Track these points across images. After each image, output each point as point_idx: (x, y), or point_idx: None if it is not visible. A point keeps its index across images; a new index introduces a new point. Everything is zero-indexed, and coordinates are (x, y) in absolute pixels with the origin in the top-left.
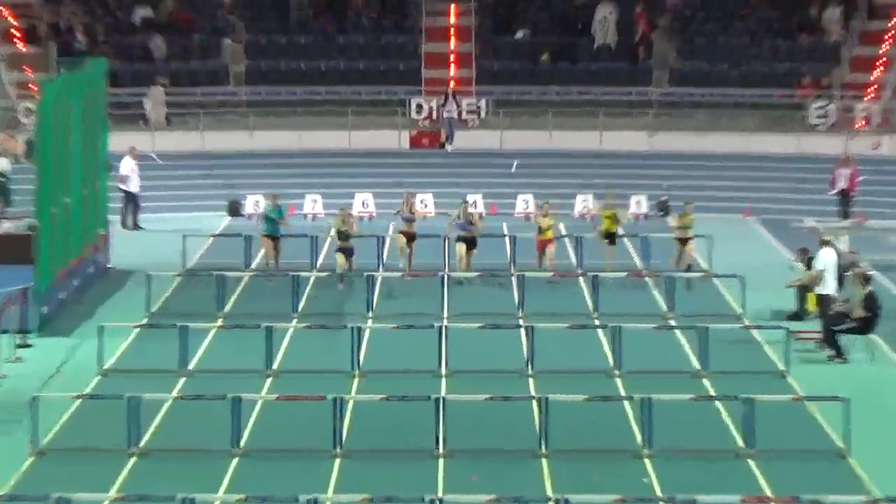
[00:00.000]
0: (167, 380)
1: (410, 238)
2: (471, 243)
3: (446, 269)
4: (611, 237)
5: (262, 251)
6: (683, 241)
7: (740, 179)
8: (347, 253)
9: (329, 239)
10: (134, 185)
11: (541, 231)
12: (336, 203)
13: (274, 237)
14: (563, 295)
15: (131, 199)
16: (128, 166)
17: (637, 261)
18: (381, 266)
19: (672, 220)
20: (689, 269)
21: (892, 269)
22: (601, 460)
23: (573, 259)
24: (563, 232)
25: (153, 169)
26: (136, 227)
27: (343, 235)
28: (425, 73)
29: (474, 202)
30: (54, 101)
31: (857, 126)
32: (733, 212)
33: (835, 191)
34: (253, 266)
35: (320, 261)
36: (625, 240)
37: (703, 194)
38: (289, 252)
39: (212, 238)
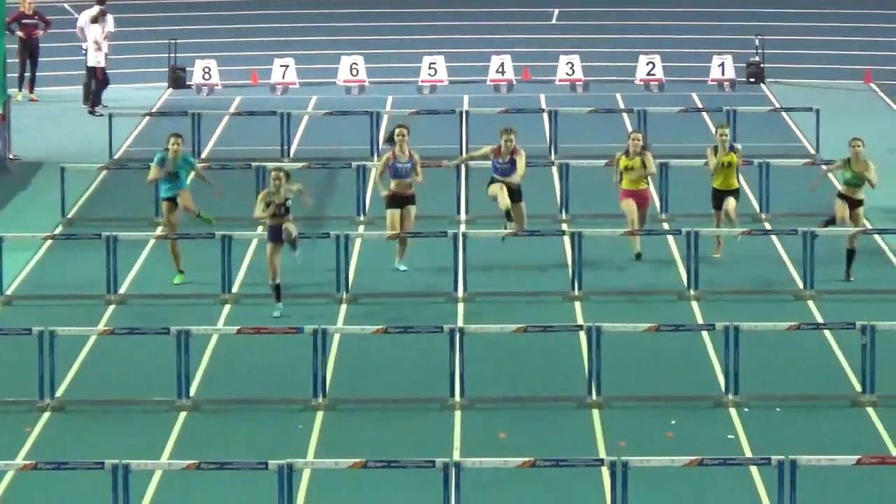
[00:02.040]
0: (90, 308)
1: (403, 202)
2: (513, 194)
3: (462, 154)
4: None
5: (159, 226)
6: (852, 202)
7: (858, 32)
8: (283, 237)
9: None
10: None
11: (626, 174)
12: (315, 71)
13: (177, 203)
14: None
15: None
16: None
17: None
18: (374, 153)
19: (835, 167)
20: (852, 249)
21: None
22: (674, 409)
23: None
24: (621, 105)
25: (64, 25)
26: (99, 103)
27: (279, 209)
28: None
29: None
30: None
31: None
32: (849, 76)
33: None
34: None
35: (294, 147)
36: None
37: (809, 53)
38: (254, 136)
39: (146, 118)
